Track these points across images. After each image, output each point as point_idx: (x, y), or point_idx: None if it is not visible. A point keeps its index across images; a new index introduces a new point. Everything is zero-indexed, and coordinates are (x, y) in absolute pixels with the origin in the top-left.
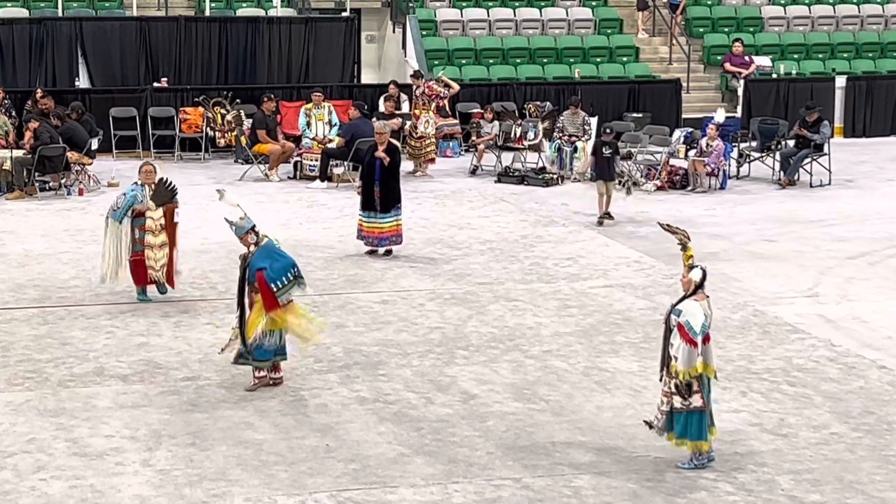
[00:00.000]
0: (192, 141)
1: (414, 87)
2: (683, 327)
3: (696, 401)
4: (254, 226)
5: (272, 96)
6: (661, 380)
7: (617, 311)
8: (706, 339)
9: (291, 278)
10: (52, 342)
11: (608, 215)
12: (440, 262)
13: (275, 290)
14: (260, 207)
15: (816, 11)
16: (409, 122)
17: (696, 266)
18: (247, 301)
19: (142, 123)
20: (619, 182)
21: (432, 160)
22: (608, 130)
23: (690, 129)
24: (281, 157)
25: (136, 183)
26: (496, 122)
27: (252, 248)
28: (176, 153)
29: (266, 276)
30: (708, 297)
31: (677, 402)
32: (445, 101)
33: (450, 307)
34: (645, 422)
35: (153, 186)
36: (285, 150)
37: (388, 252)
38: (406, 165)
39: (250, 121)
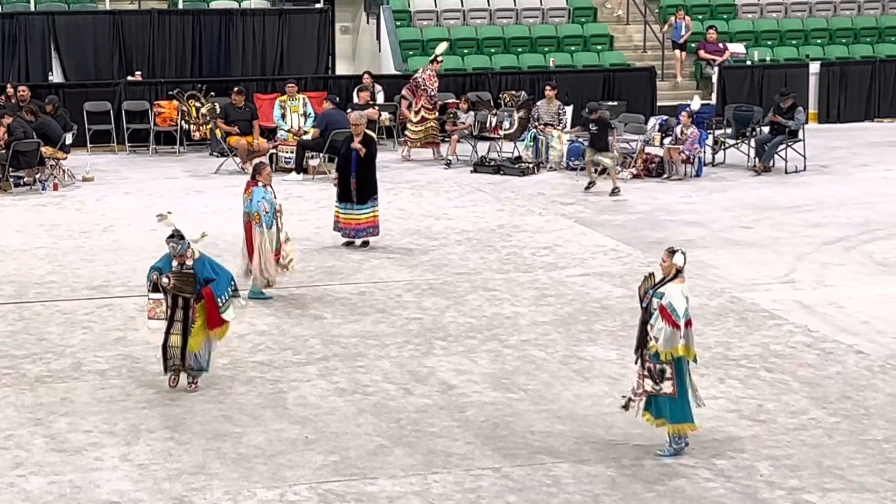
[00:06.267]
0: (166, 134)
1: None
2: (667, 309)
3: (668, 387)
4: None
5: (239, 88)
6: (636, 362)
7: (594, 299)
8: (688, 323)
9: (231, 292)
10: (29, 338)
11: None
12: (417, 253)
13: (220, 304)
14: (236, 200)
15: None
16: (410, 110)
17: (678, 250)
18: (184, 315)
19: (116, 117)
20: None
21: (437, 144)
22: (589, 110)
23: (665, 117)
24: (254, 154)
25: (258, 186)
26: (471, 112)
27: (189, 261)
28: (151, 147)
29: (213, 289)
30: (684, 281)
31: (648, 385)
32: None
33: (427, 298)
34: (623, 407)
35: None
36: (256, 148)
37: (365, 243)
38: (388, 156)
39: None
